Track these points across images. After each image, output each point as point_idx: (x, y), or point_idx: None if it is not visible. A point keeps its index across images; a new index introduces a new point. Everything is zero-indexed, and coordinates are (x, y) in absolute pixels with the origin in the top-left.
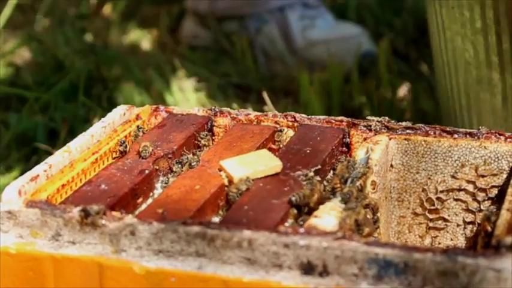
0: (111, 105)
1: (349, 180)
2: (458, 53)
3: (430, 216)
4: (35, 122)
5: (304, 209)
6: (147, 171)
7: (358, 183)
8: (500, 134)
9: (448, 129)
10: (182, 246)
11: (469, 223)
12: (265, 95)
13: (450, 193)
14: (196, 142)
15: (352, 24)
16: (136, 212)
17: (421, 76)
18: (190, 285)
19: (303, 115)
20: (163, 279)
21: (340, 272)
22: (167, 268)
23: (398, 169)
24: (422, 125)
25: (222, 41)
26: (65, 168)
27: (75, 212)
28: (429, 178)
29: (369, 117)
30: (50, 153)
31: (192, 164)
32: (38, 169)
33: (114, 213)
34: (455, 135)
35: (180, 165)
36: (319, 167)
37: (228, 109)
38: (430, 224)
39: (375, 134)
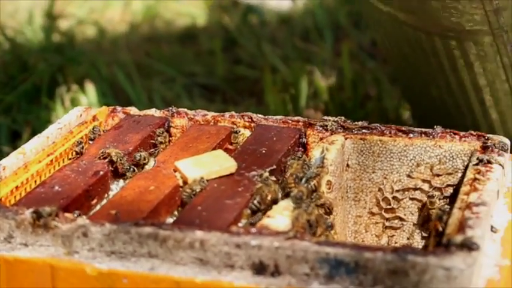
0: (75, 106)
1: (304, 180)
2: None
3: (387, 216)
4: None
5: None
6: (101, 173)
7: (312, 183)
8: (455, 133)
9: (403, 128)
10: (134, 247)
11: (424, 222)
12: None
13: (406, 192)
14: (153, 143)
15: None
16: (91, 214)
17: (386, 75)
18: (142, 286)
19: (260, 115)
20: (116, 280)
21: (291, 272)
22: (119, 269)
23: (355, 169)
24: (378, 125)
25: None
26: (19, 170)
27: (27, 213)
28: (385, 177)
29: (325, 117)
30: None
31: (145, 165)
32: None
33: (66, 214)
34: (411, 135)
35: (135, 167)
36: (274, 167)
37: (185, 110)
38: (387, 224)
39: (331, 134)
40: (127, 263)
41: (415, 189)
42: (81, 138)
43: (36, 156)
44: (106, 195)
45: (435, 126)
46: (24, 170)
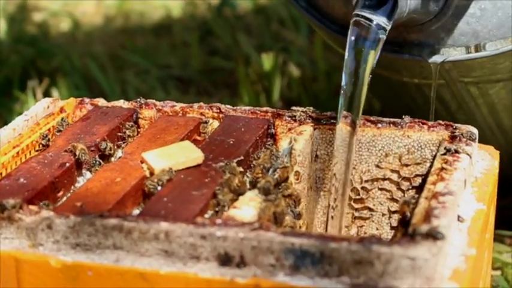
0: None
1: (271, 171)
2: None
3: (356, 206)
4: None
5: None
6: (67, 164)
7: (279, 174)
8: (423, 123)
9: (372, 118)
10: (99, 239)
11: (394, 212)
12: None
13: (375, 182)
14: (121, 134)
15: None
16: (56, 205)
17: None
18: (107, 278)
19: (228, 106)
20: (80, 272)
21: (257, 263)
22: (84, 261)
23: (323, 159)
24: (348, 115)
25: None
26: None
27: None
28: (354, 168)
29: (293, 108)
30: None
31: (111, 156)
32: None
33: (31, 207)
34: (379, 125)
35: (101, 157)
36: (242, 158)
37: (154, 101)
38: (356, 214)
39: (300, 124)
40: (92, 255)
41: (384, 179)
42: (48, 130)
43: (1, 148)
44: (72, 187)
45: (403, 116)
46: None
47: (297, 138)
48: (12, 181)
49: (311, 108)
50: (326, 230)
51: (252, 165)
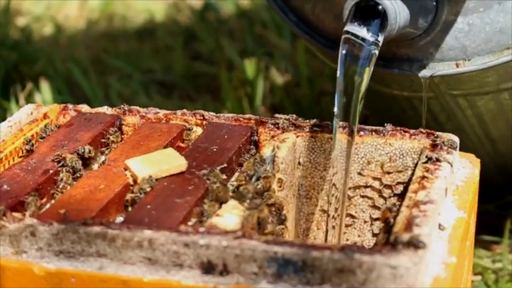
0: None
1: (254, 178)
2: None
3: (338, 213)
4: None
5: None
6: (51, 171)
7: (262, 182)
8: (405, 131)
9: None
10: (83, 246)
11: (375, 219)
12: None
13: (357, 190)
14: (105, 141)
15: None
16: (39, 212)
17: None
18: (90, 285)
19: (212, 113)
20: (64, 279)
21: (240, 271)
22: (67, 269)
23: (306, 166)
24: (329, 123)
25: None
26: None
27: None
28: (336, 174)
29: (276, 115)
30: None
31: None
32: None
33: (14, 214)
34: (361, 133)
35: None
36: (225, 165)
37: (137, 108)
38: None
39: (283, 132)
40: (75, 263)
41: (366, 186)
42: (32, 136)
43: None
44: (55, 194)
45: (385, 124)
46: None
47: (280, 145)
48: None
49: (294, 115)
50: (326, 240)
51: (235, 173)
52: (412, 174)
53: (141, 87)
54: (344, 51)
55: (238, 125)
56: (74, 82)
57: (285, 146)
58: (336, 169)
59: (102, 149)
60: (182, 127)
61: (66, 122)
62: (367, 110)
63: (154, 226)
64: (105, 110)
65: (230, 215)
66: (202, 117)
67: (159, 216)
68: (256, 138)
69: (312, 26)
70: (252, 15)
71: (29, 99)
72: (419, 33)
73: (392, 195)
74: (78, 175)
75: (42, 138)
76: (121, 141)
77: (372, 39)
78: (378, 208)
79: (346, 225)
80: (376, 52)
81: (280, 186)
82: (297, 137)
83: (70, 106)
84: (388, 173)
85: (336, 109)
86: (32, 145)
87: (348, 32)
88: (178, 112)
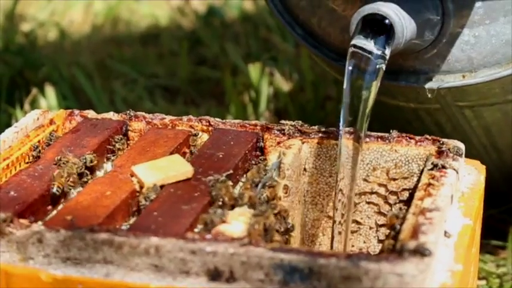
0: (35, 109)
1: (260, 186)
2: None
3: (344, 219)
4: None
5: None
6: None
7: (268, 190)
8: (410, 138)
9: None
10: (90, 253)
11: (381, 225)
12: None
13: (362, 196)
14: (111, 147)
15: None
16: (46, 219)
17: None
18: None
19: (218, 119)
20: (71, 286)
21: (246, 278)
22: (74, 276)
23: (312, 173)
24: (335, 129)
25: None
26: None
27: None
28: (342, 181)
29: (282, 121)
30: None
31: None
32: None
33: (21, 220)
34: (367, 139)
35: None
36: (231, 171)
37: (143, 113)
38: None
39: (288, 138)
40: (82, 269)
41: (372, 193)
42: (38, 142)
43: None
44: (62, 200)
45: (391, 131)
46: None
47: (285, 152)
48: (3, 194)
49: (300, 122)
50: (332, 246)
51: (241, 179)
52: (418, 180)
53: (145, 92)
54: (351, 65)
55: (244, 131)
56: (79, 87)
57: (290, 153)
58: (342, 175)
59: (108, 155)
60: (188, 133)
61: (73, 127)
62: (371, 118)
63: (160, 233)
64: (111, 115)
65: (237, 222)
66: (208, 123)
67: (165, 223)
68: (262, 144)
69: (319, 39)
70: (256, 20)
71: (34, 105)
72: (426, 46)
73: (398, 201)
74: (85, 180)
75: (48, 145)
76: (127, 147)
77: (378, 52)
78: (384, 214)
79: (352, 232)
80: (383, 66)
81: (286, 193)
82: (303, 143)
83: (76, 112)
84: (394, 179)
85: (341, 123)
86: (39, 151)
87: (354, 46)
88: (184, 118)
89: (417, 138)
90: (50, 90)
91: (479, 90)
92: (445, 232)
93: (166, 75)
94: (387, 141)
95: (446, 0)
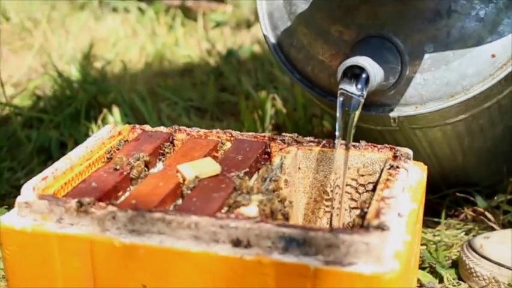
0: (105, 123)
1: (267, 179)
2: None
3: (326, 204)
4: (50, 136)
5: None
6: (125, 173)
7: (273, 183)
8: (374, 146)
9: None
10: (148, 227)
11: (353, 208)
12: None
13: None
14: (162, 151)
15: None
16: (118, 202)
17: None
18: (154, 255)
19: (237, 132)
20: (135, 250)
21: (259, 245)
22: (137, 243)
23: (304, 170)
24: (321, 140)
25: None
26: (67, 171)
27: (73, 202)
28: (325, 177)
29: (283, 134)
30: None
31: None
32: (47, 171)
33: (100, 203)
34: (345, 147)
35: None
36: (248, 169)
37: (184, 127)
38: (326, 209)
39: (287, 146)
40: (143, 238)
41: (347, 185)
42: (111, 147)
43: (78, 160)
44: (128, 189)
45: (360, 141)
46: (70, 171)
47: (286, 156)
48: (87, 185)
49: (296, 134)
50: (330, 224)
51: (254, 175)
52: (379, 177)
53: (183, 111)
54: (341, 100)
55: (256, 141)
56: (136, 108)
57: (289, 156)
58: (338, 175)
59: (160, 157)
60: (217, 141)
61: (134, 137)
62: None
63: (198, 213)
64: (162, 129)
65: (252, 206)
66: (230, 135)
67: (201, 206)
68: (269, 150)
69: (312, 82)
70: (263, 59)
71: (104, 121)
72: (389, 86)
73: (365, 191)
74: (143, 175)
75: (117, 149)
76: (173, 152)
77: (358, 92)
78: (355, 200)
79: (332, 212)
80: (362, 100)
81: (286, 185)
82: (298, 149)
83: (137, 126)
84: (362, 175)
85: (336, 136)
86: (111, 154)
87: (341, 89)
88: (214, 131)
89: (379, 146)
90: (115, 111)
91: (427, 117)
92: (399, 213)
93: (198, 99)
94: (358, 148)
95: (404, 54)
